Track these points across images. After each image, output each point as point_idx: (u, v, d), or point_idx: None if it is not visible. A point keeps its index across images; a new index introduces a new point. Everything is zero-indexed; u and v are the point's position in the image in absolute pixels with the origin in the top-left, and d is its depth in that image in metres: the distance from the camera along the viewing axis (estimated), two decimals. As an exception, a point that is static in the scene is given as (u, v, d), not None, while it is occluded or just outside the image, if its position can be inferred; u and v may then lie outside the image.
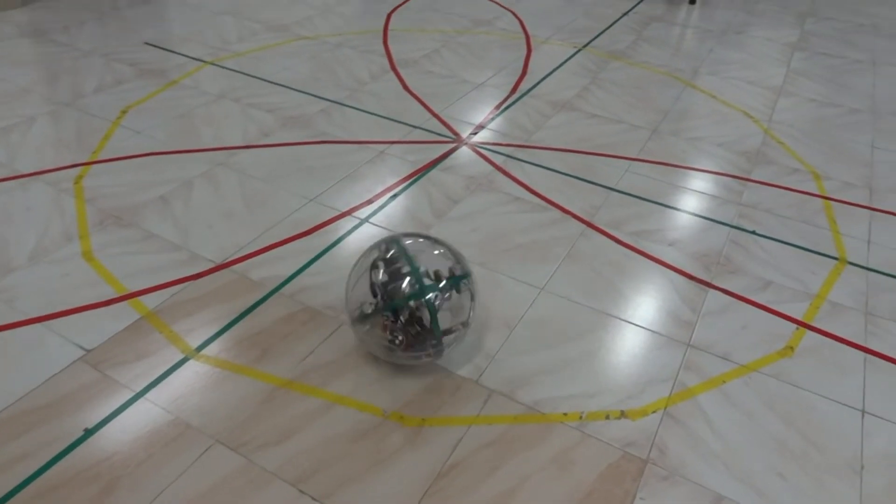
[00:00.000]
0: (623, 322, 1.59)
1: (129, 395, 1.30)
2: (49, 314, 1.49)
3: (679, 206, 2.04)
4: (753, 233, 1.93)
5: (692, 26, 3.64)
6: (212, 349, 1.42)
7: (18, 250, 1.67)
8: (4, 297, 1.53)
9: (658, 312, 1.62)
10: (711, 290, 1.70)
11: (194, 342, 1.44)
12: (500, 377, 1.42)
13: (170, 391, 1.32)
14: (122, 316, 1.50)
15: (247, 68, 2.73)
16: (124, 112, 2.34)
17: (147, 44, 2.89)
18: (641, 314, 1.61)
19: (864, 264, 1.83)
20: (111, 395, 1.31)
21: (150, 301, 1.54)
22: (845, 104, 2.80)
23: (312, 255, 1.73)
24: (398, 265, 1.37)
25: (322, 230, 1.83)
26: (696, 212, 2.02)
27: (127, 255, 1.67)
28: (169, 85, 2.55)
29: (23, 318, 1.47)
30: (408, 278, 1.35)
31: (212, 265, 1.67)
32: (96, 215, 1.82)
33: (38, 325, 1.46)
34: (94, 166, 2.03)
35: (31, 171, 1.98)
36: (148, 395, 1.30)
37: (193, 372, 1.37)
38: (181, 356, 1.40)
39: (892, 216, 2.06)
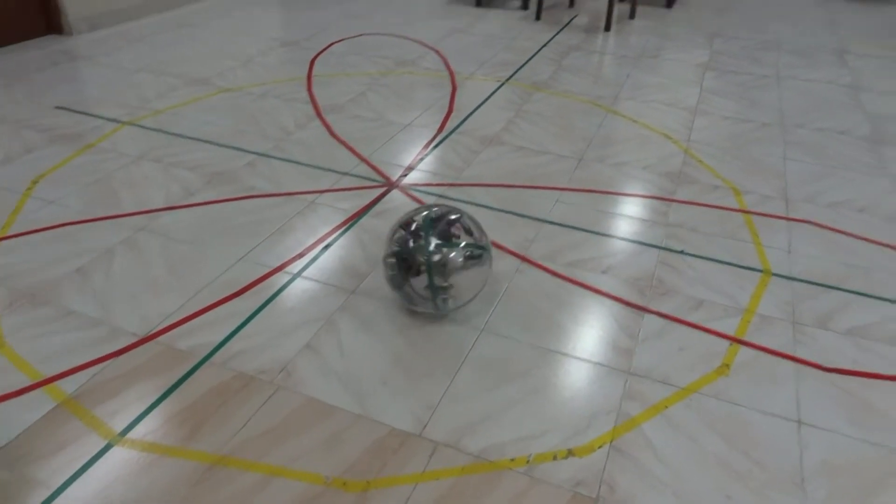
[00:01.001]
0: (564, 356, 1.59)
1: (46, 494, 1.21)
2: (-44, 410, 1.38)
3: (610, 233, 2.07)
4: (682, 252, 1.98)
5: (609, 53, 3.77)
6: (137, 431, 1.34)
7: (-80, 343, 1.55)
8: None
9: (598, 342, 1.63)
10: (647, 315, 1.73)
11: (118, 426, 1.35)
12: (444, 428, 1.39)
13: (92, 484, 1.23)
14: (37, 405, 1.40)
15: (167, 126, 2.66)
16: (35, 182, 2.23)
17: (59, 108, 2.79)
18: (582, 346, 1.62)
19: (788, 274, 1.90)
20: (27, 495, 1.21)
21: (68, 385, 1.45)
22: (756, 119, 2.94)
23: (244, 317, 1.68)
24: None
25: (253, 289, 1.78)
26: (627, 236, 2.06)
27: (42, 337, 1.58)
28: (84, 149, 2.46)
29: (-74, 418, 1.36)
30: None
31: (135, 339, 1.59)
32: (7, 296, 1.71)
33: (-56, 425, 1.35)
34: (4, 243, 1.92)
35: (-66, 253, 1.86)
36: (68, 492, 1.21)
37: (118, 459, 1.28)
38: (104, 443, 1.31)
39: (808, 224, 2.15)
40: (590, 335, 1.66)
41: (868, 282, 1.88)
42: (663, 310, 1.74)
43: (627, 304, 1.77)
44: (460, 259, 1.60)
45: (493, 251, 1.95)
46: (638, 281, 1.85)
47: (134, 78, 3.13)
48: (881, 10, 4.90)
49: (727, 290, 1.82)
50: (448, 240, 1.60)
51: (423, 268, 1.58)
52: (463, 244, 1.61)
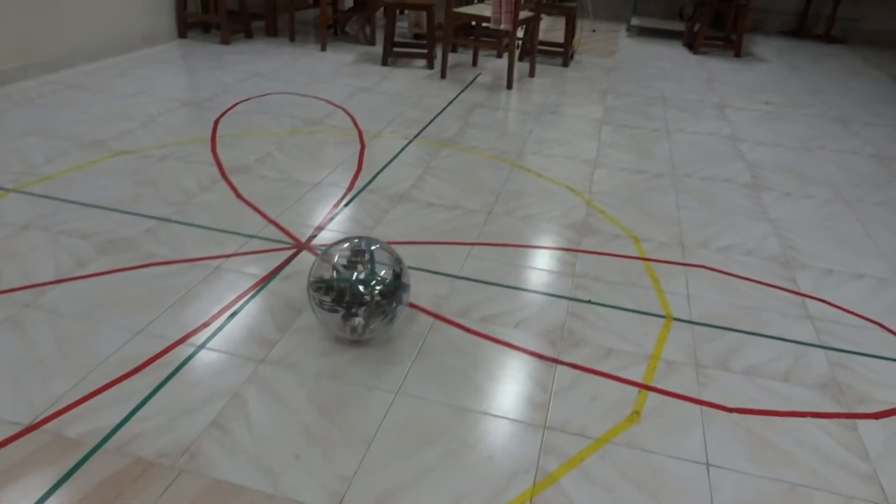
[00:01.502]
0: (481, 414, 1.58)
1: None
2: None
3: (521, 286, 2.12)
4: (589, 302, 2.05)
5: (512, 109, 3.93)
6: (18, 536, 1.21)
7: None
8: None
9: (513, 398, 1.64)
10: (559, 366, 1.76)
11: (-5, 531, 1.22)
12: (361, 500, 1.34)
13: None
14: None
15: (57, 192, 2.51)
16: None
17: (-67, 176, 2.58)
18: (498, 403, 1.62)
19: (687, 318, 2.00)
20: None
21: (-63, 488, 1.29)
22: (650, 170, 3.13)
23: (143, 396, 1.57)
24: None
25: (153, 365, 1.67)
26: (537, 288, 2.11)
27: None
28: (-39, 220, 2.27)
29: None
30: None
31: (18, 429, 1.45)
32: None
33: None
34: None
35: None
36: None
37: (-6, 571, 1.15)
38: (-23, 554, 1.17)
39: (702, 269, 2.28)
40: (505, 391, 1.66)
41: (758, 321, 2.01)
42: (575, 360, 1.78)
43: (540, 357, 1.79)
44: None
45: (407, 311, 1.94)
46: (549, 333, 1.89)
47: (19, 142, 2.96)
48: (752, 68, 5.42)
49: (634, 338, 1.89)
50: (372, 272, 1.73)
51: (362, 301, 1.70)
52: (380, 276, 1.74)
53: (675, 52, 5.87)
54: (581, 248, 2.37)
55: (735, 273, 2.27)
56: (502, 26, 4.17)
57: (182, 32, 5.13)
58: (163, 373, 1.65)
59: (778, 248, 2.47)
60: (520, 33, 5.16)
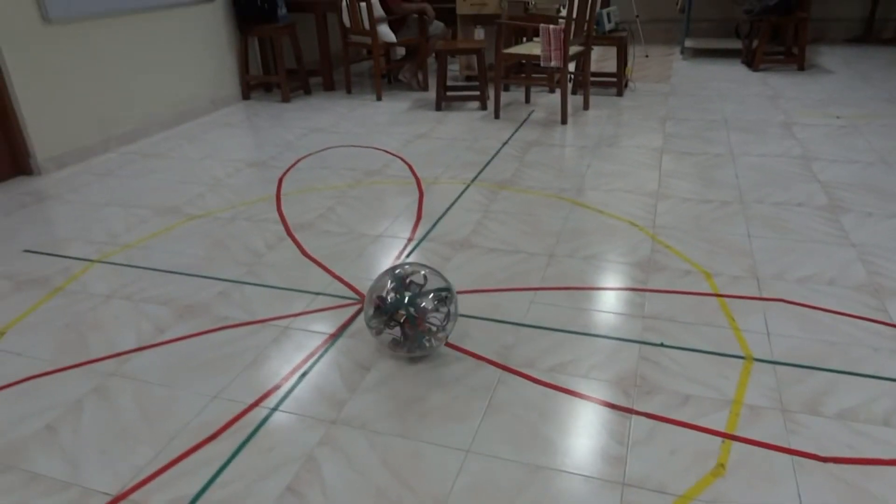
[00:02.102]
0: (554, 472, 1.53)
1: None
2: None
3: (588, 331, 2.07)
4: (661, 345, 1.98)
5: (568, 145, 3.91)
6: None
7: None
8: None
9: (588, 453, 1.59)
10: (634, 416, 1.69)
11: None
12: (437, 569, 1.31)
13: None
14: (1, 589, 1.30)
15: (137, 260, 2.66)
16: (2, 334, 2.19)
17: (27, 251, 2.78)
18: (572, 459, 1.57)
19: (769, 358, 1.89)
20: None
21: (35, 562, 1.36)
22: (716, 198, 3.03)
23: (222, 462, 1.61)
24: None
25: (230, 430, 1.72)
26: (606, 333, 2.05)
27: (6, 509, 1.49)
28: (52, 294, 2.43)
29: None
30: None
31: (107, 499, 1.51)
32: (-30, 464, 1.63)
33: None
34: (-32, 404, 1.85)
35: None
36: None
37: None
38: None
39: (781, 303, 2.17)
40: (579, 446, 1.61)
41: (849, 359, 1.88)
42: (650, 409, 1.71)
43: (613, 406, 1.73)
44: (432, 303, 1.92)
45: (473, 362, 1.93)
46: (621, 380, 1.83)
47: (102, 213, 3.16)
48: (818, 81, 5.21)
49: (712, 382, 1.81)
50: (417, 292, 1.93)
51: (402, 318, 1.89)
52: (431, 292, 1.93)
53: (733, 71, 5.72)
54: (649, 287, 2.30)
55: (818, 306, 2.15)
56: (553, 63, 4.18)
57: (245, 94, 5.39)
58: (239, 437, 1.69)
59: (864, 275, 2.32)
60: (571, 66, 5.16)
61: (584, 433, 1.65)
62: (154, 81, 4.47)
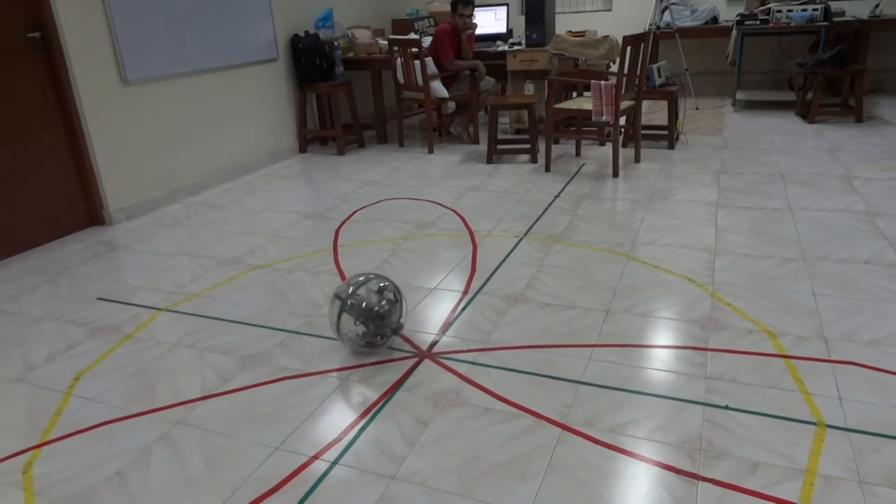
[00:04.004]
0: (620, 539, 1.49)
1: None
2: None
3: (649, 390, 2.03)
4: (726, 407, 1.92)
5: (621, 198, 3.91)
6: None
7: (-44, 571, 1.51)
8: None
9: (653, 520, 1.54)
10: (701, 483, 1.64)
11: None
12: None
13: None
14: None
15: (201, 310, 2.75)
16: (77, 379, 2.28)
17: (100, 299, 2.91)
18: (637, 526, 1.53)
19: (843, 425, 1.82)
20: None
21: None
22: (777, 254, 2.97)
23: (283, 516, 1.62)
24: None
25: (291, 483, 1.74)
26: (667, 393, 2.01)
27: (79, 555, 1.53)
28: (123, 341, 2.53)
29: None
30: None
31: (174, 549, 1.54)
32: (45, 509, 1.69)
33: None
34: (45, 448, 1.93)
35: (-25, 466, 1.87)
36: None
37: None
38: None
39: (852, 366, 2.09)
40: (644, 512, 1.57)
41: (929, 427, 1.79)
42: (717, 476, 1.66)
43: (678, 471, 1.69)
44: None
45: (532, 420, 1.91)
46: (685, 444, 1.78)
47: (169, 262, 3.29)
48: (878, 133, 5.10)
49: (782, 449, 1.74)
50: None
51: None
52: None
53: (787, 124, 5.66)
54: (710, 346, 2.26)
55: (892, 370, 2.06)
56: (604, 118, 4.23)
57: (302, 147, 5.61)
58: (300, 491, 1.70)
59: (939, 337, 2.23)
60: (622, 120, 5.20)
61: (648, 499, 1.60)
62: (218, 136, 4.71)
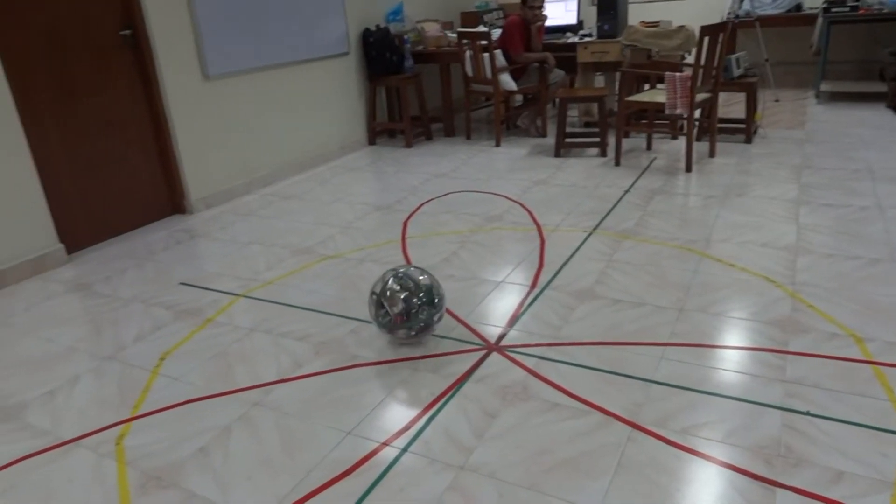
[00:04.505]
0: (693, 542, 1.47)
1: None
2: None
3: (723, 392, 1.98)
4: (808, 413, 1.85)
5: (694, 194, 3.80)
6: None
7: (59, 531, 1.64)
8: (43, 591, 1.47)
9: (728, 525, 1.51)
10: (780, 490, 1.59)
11: None
12: None
13: None
14: None
15: (276, 296, 2.86)
16: (163, 359, 2.42)
17: (182, 284, 3.07)
18: (711, 529, 1.50)
19: (936, 437, 1.72)
20: None
21: (192, 578, 1.47)
22: (864, 255, 2.82)
23: (356, 499, 1.68)
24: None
25: (362, 467, 1.79)
26: (743, 396, 1.95)
27: (167, 524, 1.63)
28: (204, 324, 2.66)
29: None
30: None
31: (253, 524, 1.61)
32: (138, 478, 1.80)
33: None
34: (135, 422, 2.06)
35: (74, 436, 2.01)
36: None
37: None
38: None
39: (948, 375, 1.97)
40: (719, 516, 1.53)
41: None
42: (798, 484, 1.60)
43: (755, 477, 1.64)
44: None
45: (601, 417, 1.89)
46: (763, 449, 1.73)
47: (246, 251, 3.43)
48: (979, 127, 4.75)
49: (867, 459, 1.66)
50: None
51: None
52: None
53: (877, 117, 5.34)
54: (790, 349, 2.17)
55: None
56: (678, 111, 4.11)
57: (371, 140, 5.70)
58: (371, 476, 1.75)
59: None
60: (696, 113, 5.03)
61: (722, 503, 1.57)
62: (291, 128, 4.85)
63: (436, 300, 2.29)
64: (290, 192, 4.48)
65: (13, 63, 3.20)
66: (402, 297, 2.25)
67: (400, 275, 2.31)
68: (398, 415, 2.00)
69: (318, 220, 3.82)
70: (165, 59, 3.85)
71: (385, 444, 1.87)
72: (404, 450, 1.84)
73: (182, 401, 2.15)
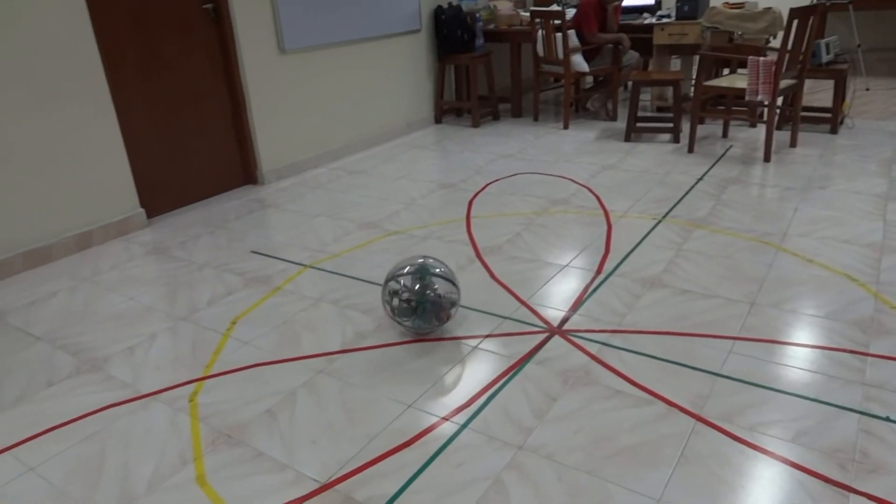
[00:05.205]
0: (757, 540, 1.43)
1: None
2: (163, 550, 1.51)
3: (796, 391, 1.91)
4: (888, 419, 1.76)
5: (772, 185, 3.64)
6: (320, 591, 1.38)
7: (138, 478, 1.74)
8: (123, 531, 1.57)
9: (795, 526, 1.46)
10: (853, 496, 1.53)
11: (302, 582, 1.40)
12: None
13: None
14: (232, 549, 1.50)
15: (342, 269, 2.92)
16: (233, 323, 2.51)
17: (253, 252, 3.17)
18: (776, 529, 1.46)
19: None
20: None
21: (259, 531, 1.54)
22: (958, 257, 2.64)
23: (414, 470, 1.71)
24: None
25: (422, 440, 1.82)
26: (817, 396, 1.88)
27: (237, 479, 1.71)
28: (273, 292, 2.74)
29: (139, 555, 1.50)
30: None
31: (317, 486, 1.67)
32: (209, 434, 1.89)
33: (152, 563, 1.48)
34: (207, 382, 2.16)
35: (151, 390, 2.12)
36: None
37: None
38: None
39: None
40: (785, 516, 1.49)
41: None
42: (873, 491, 1.53)
43: (826, 480, 1.58)
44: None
45: (664, 407, 1.86)
46: (836, 452, 1.66)
47: (314, 223, 3.51)
48: None
49: (952, 471, 1.58)
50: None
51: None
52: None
53: (980, 110, 4.96)
54: (871, 351, 2.07)
55: None
56: (759, 98, 3.93)
57: (438, 118, 5.71)
58: (430, 448, 1.78)
59: None
60: (779, 100, 4.80)
61: (787, 502, 1.52)
62: (361, 104, 4.90)
63: (421, 309, 2.25)
64: (358, 167, 4.54)
65: (105, 37, 3.34)
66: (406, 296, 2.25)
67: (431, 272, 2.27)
68: (459, 391, 2.02)
69: (384, 196, 3.87)
70: (244, 33, 3.95)
71: (445, 419, 1.90)
72: (464, 426, 1.86)
73: (251, 364, 2.24)
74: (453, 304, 2.29)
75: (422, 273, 2.25)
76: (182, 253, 3.22)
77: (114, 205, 3.44)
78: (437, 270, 2.27)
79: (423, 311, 2.24)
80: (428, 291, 2.23)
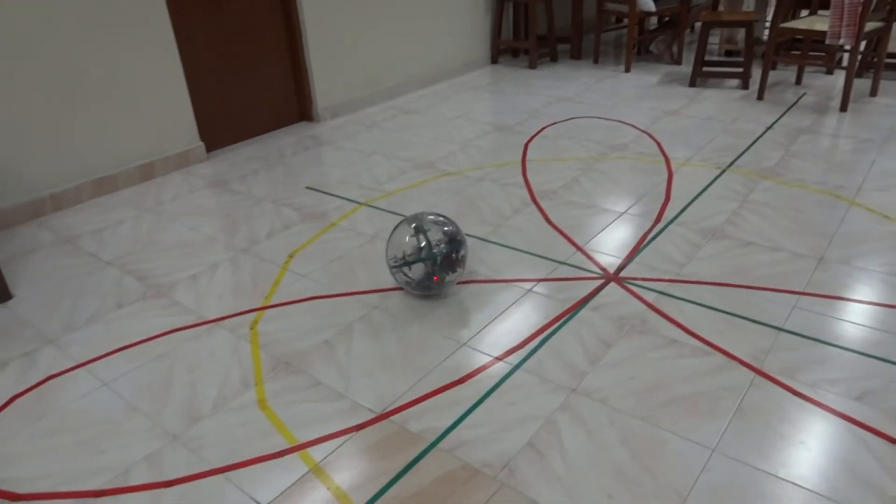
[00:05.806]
0: (810, 493, 1.42)
1: (302, 562, 1.33)
2: (229, 465, 1.59)
3: (863, 350, 1.85)
4: (960, 383, 1.70)
5: (847, 136, 3.45)
6: (377, 512, 1.44)
7: (203, 398, 1.83)
8: (193, 445, 1.66)
9: (853, 484, 1.44)
10: (918, 457, 1.49)
11: (359, 500, 1.46)
12: (676, 559, 1.30)
13: (339, 559, 1.34)
14: (293, 468, 1.57)
15: (397, 207, 2.92)
16: (291, 256, 2.57)
17: (308, 188, 3.20)
18: (832, 484, 1.44)
19: None
20: (284, 557, 1.35)
21: (317, 453, 1.61)
22: None
23: (468, 406, 1.74)
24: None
25: (475, 377, 1.85)
26: (885, 356, 1.82)
27: (296, 404, 1.78)
28: (328, 228, 2.78)
29: (208, 468, 1.59)
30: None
31: (372, 415, 1.73)
32: (269, 361, 1.96)
33: (219, 477, 1.56)
34: (267, 311, 2.22)
35: (215, 317, 2.20)
36: (319, 563, 1.33)
37: (360, 537, 1.38)
38: (349, 519, 1.42)
39: None
40: (842, 472, 1.46)
41: None
42: (941, 454, 1.49)
43: (891, 440, 1.54)
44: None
45: (722, 359, 1.83)
46: (903, 413, 1.62)
47: (369, 161, 3.51)
48: None
49: None
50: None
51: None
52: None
53: None
54: (947, 312, 1.98)
55: None
56: (841, 41, 3.68)
57: (494, 58, 5.56)
58: (484, 386, 1.81)
59: None
60: (861, 45, 4.49)
61: (851, 460, 1.49)
62: (416, 42, 4.80)
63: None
64: (413, 106, 4.49)
65: (165, -37, 3.33)
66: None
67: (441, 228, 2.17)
68: (512, 333, 2.03)
69: (439, 136, 3.83)
70: (302, -35, 3.88)
71: (498, 359, 1.92)
72: (517, 366, 1.88)
73: (308, 296, 2.29)
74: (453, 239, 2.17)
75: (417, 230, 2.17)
76: (241, 186, 3.28)
77: (175, 137, 3.51)
78: (429, 219, 2.20)
79: (435, 261, 2.15)
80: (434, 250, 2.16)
